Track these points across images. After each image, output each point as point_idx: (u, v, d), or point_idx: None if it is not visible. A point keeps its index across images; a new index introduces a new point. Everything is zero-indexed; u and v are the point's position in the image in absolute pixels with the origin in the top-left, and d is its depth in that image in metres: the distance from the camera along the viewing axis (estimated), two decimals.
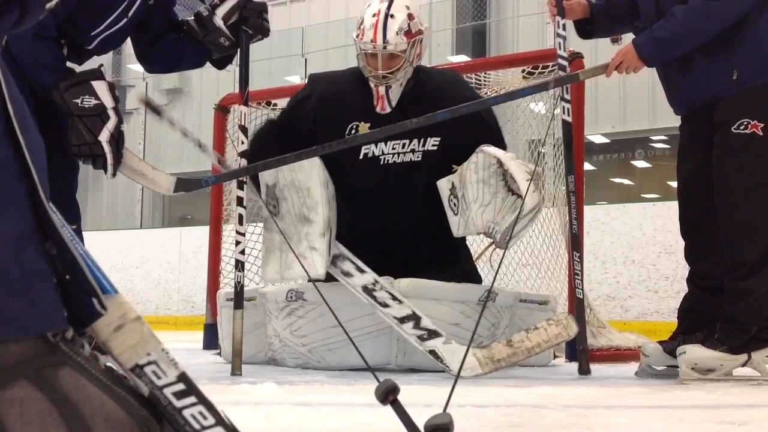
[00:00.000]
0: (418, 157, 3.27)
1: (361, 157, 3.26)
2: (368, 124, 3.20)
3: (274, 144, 3.20)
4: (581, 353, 3.01)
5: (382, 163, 3.27)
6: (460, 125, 3.13)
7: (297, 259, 2.96)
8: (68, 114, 2.62)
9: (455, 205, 3.16)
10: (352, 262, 3.09)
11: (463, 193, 3.11)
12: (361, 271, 3.07)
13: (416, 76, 3.27)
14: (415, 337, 2.94)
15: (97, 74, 2.67)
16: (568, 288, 3.01)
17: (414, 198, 3.29)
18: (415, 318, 2.97)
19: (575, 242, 3.04)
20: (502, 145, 3.39)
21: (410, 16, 3.17)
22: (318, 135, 3.15)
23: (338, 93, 3.30)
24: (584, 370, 2.96)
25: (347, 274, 3.07)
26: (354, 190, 3.32)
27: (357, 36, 3.18)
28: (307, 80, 3.51)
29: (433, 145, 3.26)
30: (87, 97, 2.62)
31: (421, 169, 3.26)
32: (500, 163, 3.02)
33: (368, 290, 3.03)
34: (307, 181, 3.12)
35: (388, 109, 3.19)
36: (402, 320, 2.98)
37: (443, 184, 3.22)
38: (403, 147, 3.26)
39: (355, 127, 3.23)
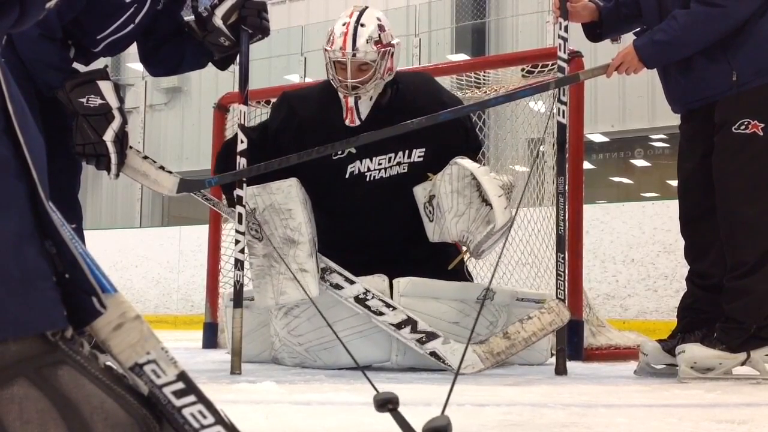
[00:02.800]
0: (404, 169, 3.24)
1: (347, 175, 3.23)
2: None
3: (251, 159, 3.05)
4: (559, 353, 3.02)
5: (368, 179, 3.24)
6: (442, 132, 3.12)
7: (290, 282, 2.96)
8: (73, 113, 2.63)
9: (431, 212, 3.17)
10: (340, 274, 3.08)
11: (438, 202, 3.11)
12: (351, 282, 3.06)
13: (393, 87, 3.22)
14: (414, 341, 2.95)
15: (103, 74, 2.68)
16: (556, 289, 3.02)
17: (402, 209, 3.27)
18: (411, 322, 2.97)
19: (560, 243, 3.05)
20: (477, 144, 3.45)
21: (381, 27, 3.12)
22: (303, 164, 3.06)
23: (317, 114, 3.24)
24: (560, 371, 2.96)
25: (337, 287, 3.06)
26: (342, 207, 3.30)
27: (327, 45, 3.12)
28: (280, 100, 3.40)
29: (419, 156, 3.23)
30: (92, 96, 2.63)
31: (408, 180, 3.23)
32: (474, 176, 3.02)
33: (360, 300, 3.03)
34: (287, 203, 3.08)
35: (357, 122, 3.11)
36: (398, 326, 2.98)
37: (419, 192, 3.21)
38: (389, 161, 3.23)
39: None
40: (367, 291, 3.03)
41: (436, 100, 3.22)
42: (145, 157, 3.09)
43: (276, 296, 3.07)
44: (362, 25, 3.09)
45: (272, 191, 3.09)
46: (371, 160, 3.22)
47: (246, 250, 3.04)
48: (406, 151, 3.22)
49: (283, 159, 2.97)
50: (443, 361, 2.92)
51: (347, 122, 3.13)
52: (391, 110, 3.18)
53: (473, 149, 3.41)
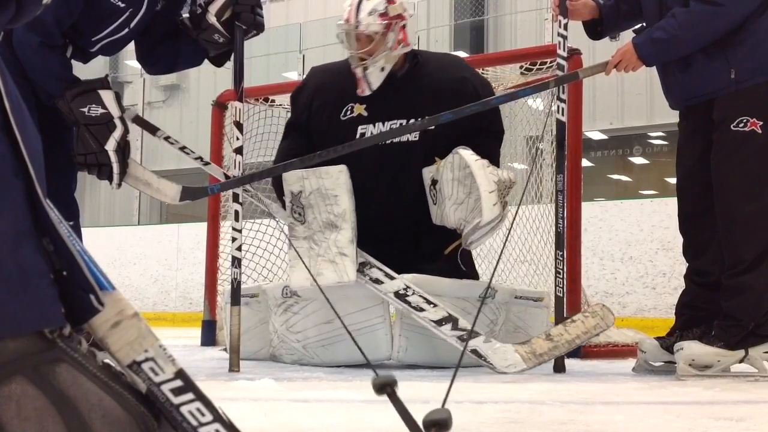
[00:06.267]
0: (415, 137, 3.26)
1: (357, 136, 3.26)
2: (363, 105, 3.23)
3: (300, 148, 3.27)
4: None
5: (379, 143, 3.25)
6: (457, 105, 3.12)
7: (328, 264, 3.00)
8: (74, 123, 2.63)
9: (434, 195, 3.19)
10: (380, 269, 3.07)
11: (440, 188, 3.13)
12: (391, 277, 3.04)
13: (412, 60, 3.29)
14: (455, 338, 2.92)
15: (104, 83, 2.67)
16: (554, 286, 3.02)
17: (411, 179, 3.27)
18: (452, 320, 2.95)
19: (559, 241, 3.05)
20: (497, 128, 3.42)
21: (389, 0, 3.17)
22: (314, 123, 3.28)
23: (333, 80, 3.35)
24: (559, 368, 2.96)
25: (377, 281, 3.05)
26: (351, 172, 3.30)
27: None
28: (302, 81, 3.54)
29: (431, 126, 3.26)
30: (94, 106, 2.62)
31: (418, 149, 3.25)
32: None
33: (401, 296, 3.00)
34: (334, 188, 3.11)
35: (368, 92, 3.20)
36: (439, 323, 2.94)
37: (425, 174, 3.24)
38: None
39: (350, 108, 3.27)
40: (408, 287, 3.01)
41: (456, 79, 3.26)
42: (154, 127, 3.08)
43: (312, 277, 3.07)
44: None
45: (321, 175, 3.12)
46: (383, 124, 3.27)
47: (286, 232, 3.14)
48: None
49: (287, 163, 3.01)
50: (485, 360, 2.88)
51: (358, 92, 3.21)
52: (406, 82, 3.25)
53: (493, 133, 3.41)
